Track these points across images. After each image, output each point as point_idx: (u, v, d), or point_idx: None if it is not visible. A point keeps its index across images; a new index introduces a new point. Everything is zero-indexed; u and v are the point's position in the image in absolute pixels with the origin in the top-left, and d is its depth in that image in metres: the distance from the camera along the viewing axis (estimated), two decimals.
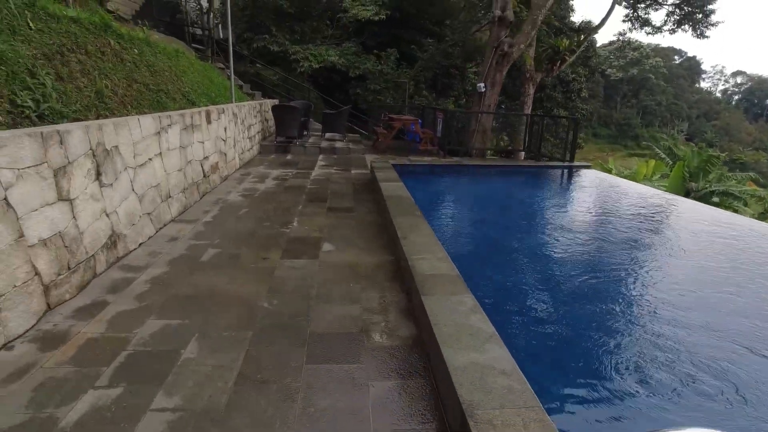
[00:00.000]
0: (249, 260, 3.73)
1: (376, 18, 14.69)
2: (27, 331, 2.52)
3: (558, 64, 15.63)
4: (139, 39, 6.63)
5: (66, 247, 2.90)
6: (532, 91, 15.32)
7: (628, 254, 4.79)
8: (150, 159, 4.24)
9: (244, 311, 2.88)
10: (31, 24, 4.38)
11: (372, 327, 2.75)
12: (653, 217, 6.11)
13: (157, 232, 4.29)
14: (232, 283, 3.29)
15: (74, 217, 3.01)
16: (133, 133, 3.89)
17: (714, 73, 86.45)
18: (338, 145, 10.26)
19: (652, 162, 22.86)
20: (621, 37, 20.40)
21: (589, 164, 8.78)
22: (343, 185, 6.74)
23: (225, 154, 6.86)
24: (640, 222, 5.84)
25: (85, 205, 3.15)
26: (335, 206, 5.52)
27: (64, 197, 2.91)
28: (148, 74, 6.28)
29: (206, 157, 5.95)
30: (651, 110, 62.91)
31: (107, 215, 3.43)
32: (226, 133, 6.93)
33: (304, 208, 5.37)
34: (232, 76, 8.54)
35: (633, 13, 19.48)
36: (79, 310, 2.79)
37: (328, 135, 11.36)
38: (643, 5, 18.74)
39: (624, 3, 18.87)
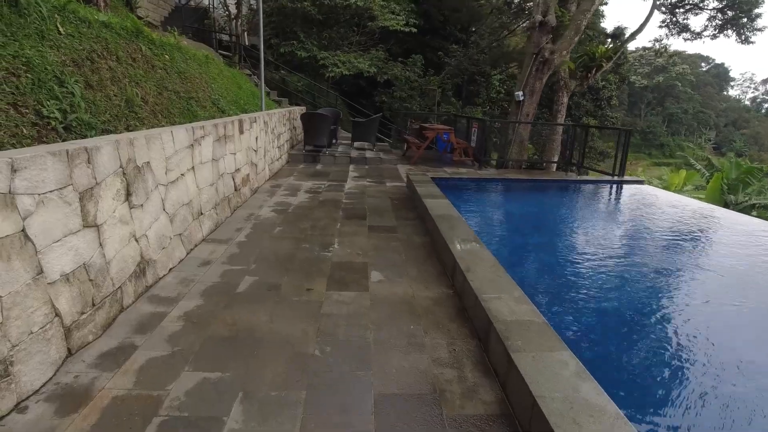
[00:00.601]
0: (291, 291, 3.31)
1: (407, 29, 14.31)
2: (43, 385, 2.14)
3: (593, 72, 15.00)
4: (170, 45, 6.36)
5: (91, 280, 2.53)
6: (565, 99, 14.70)
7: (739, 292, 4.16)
8: (182, 174, 3.88)
9: (292, 361, 2.46)
10: (60, 28, 4.08)
11: (446, 387, 2.28)
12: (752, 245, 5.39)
13: (188, 254, 3.92)
14: (274, 321, 2.87)
15: (101, 244, 2.64)
16: (165, 147, 3.53)
17: (743, 81, 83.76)
18: (369, 154, 9.87)
19: (683, 172, 21.99)
20: (657, 44, 19.47)
21: (642, 179, 8.16)
22: (381, 200, 6.31)
23: (255, 165, 6.51)
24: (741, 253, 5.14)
25: (113, 231, 2.77)
26: (376, 225, 5.08)
27: (90, 223, 2.53)
28: (178, 81, 5.99)
29: (238, 170, 5.60)
30: (677, 118, 61.29)
31: (136, 240, 3.06)
32: (257, 143, 6.59)
33: (343, 227, 4.95)
34: (263, 83, 8.24)
35: (671, 18, 18.71)
36: (104, 356, 2.41)
37: (357, 144, 10.98)
38: (682, 10, 17.96)
39: (662, 8, 18.12)
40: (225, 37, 15.00)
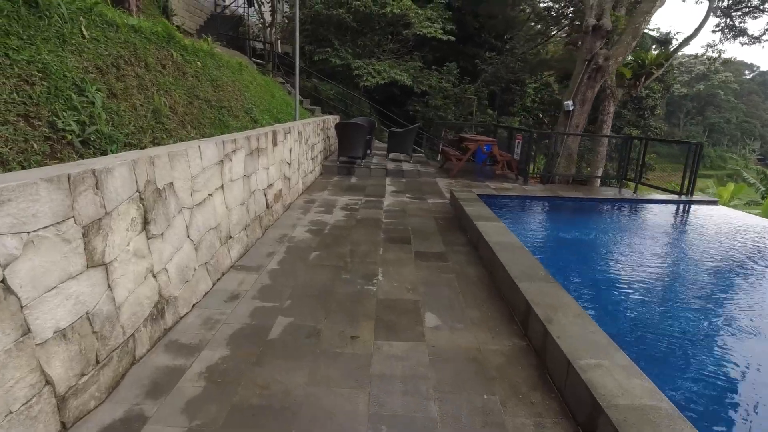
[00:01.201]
0: (333, 339, 2.77)
1: (444, 37, 13.77)
2: None
3: (643, 80, 14.07)
4: (202, 51, 6.02)
5: (95, 332, 2.06)
6: (612, 109, 13.81)
7: None
8: (210, 195, 3.42)
9: None
10: (85, 32, 3.72)
11: None
12: None
13: (214, 285, 3.45)
14: (314, 383, 2.33)
15: (110, 287, 2.17)
16: (192, 165, 3.07)
17: None
18: (405, 167, 9.33)
19: (731, 185, 20.62)
20: (710, 49, 18.29)
21: (716, 199, 7.29)
22: (424, 219, 5.74)
23: (289, 180, 6.07)
24: None
25: (126, 268, 2.31)
26: (423, 251, 4.51)
27: (96, 262, 2.07)
28: (210, 89, 5.62)
29: (270, 185, 5.15)
30: (719, 128, 58.65)
31: (154, 276, 2.60)
32: (290, 155, 6.15)
33: (386, 253, 4.40)
34: (297, 91, 7.84)
35: (727, 21, 17.51)
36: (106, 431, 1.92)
37: (392, 155, 10.47)
38: (739, 13, 16.77)
39: (717, 11, 16.97)
40: (259, 45, 14.86)
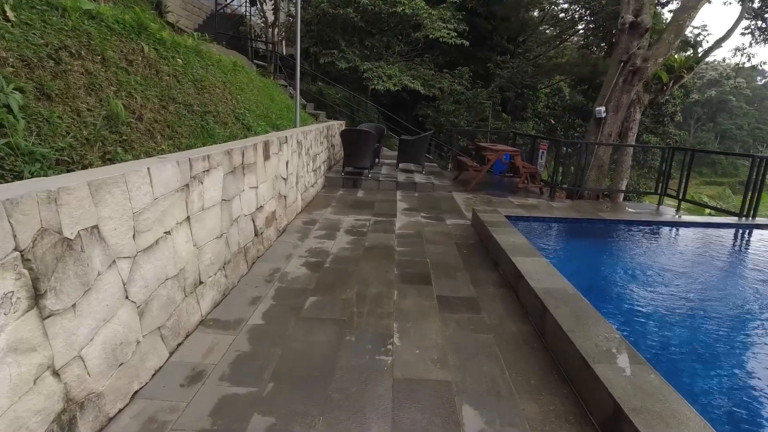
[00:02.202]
0: None
1: (458, 41, 12.89)
2: None
3: (671, 84, 13.08)
4: (186, 47, 5.15)
5: None
6: (638, 116, 12.78)
7: None
8: (167, 233, 2.52)
9: None
10: (9, 13, 2.85)
11: None
12: None
13: (170, 356, 2.54)
14: None
15: None
16: (134, 196, 2.17)
17: None
18: (418, 178, 8.41)
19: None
20: (738, 53, 17.27)
21: None
22: (444, 248, 4.81)
23: (285, 198, 5.17)
24: None
25: None
26: (448, 295, 3.58)
27: None
28: (193, 91, 4.73)
29: (260, 207, 4.25)
30: (731, 134, 57.61)
31: (56, 374, 1.69)
32: (287, 169, 5.26)
33: (402, 298, 3.48)
34: (298, 94, 6.96)
35: (757, 23, 16.49)
36: None
37: (402, 165, 9.56)
38: None
39: (747, 13, 15.96)
40: (261, 46, 14.06)
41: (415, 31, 14.20)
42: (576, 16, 20.13)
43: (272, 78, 11.62)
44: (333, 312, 3.20)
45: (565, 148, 7.87)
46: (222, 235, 3.30)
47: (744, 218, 6.03)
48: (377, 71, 12.46)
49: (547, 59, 21.14)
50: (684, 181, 7.18)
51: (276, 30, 12.72)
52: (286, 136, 5.12)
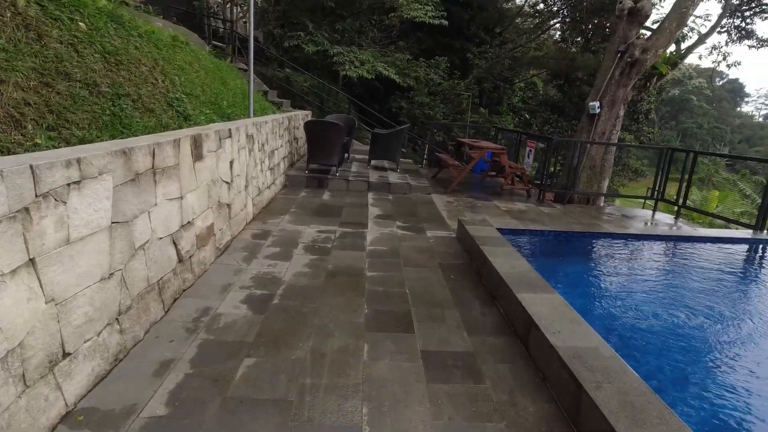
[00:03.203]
0: None
1: (436, 22, 11.94)
2: None
3: (654, 81, 12.57)
4: (97, 8, 4.00)
5: None
6: (622, 112, 12.26)
7: None
8: None
9: None
10: None
11: None
12: None
13: None
14: None
15: None
16: None
17: (758, 97, 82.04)
18: (392, 178, 7.46)
19: (715, 192, 19.93)
20: (715, 51, 17.07)
21: None
22: (427, 272, 3.89)
23: (228, 207, 4.12)
24: None
25: None
26: (436, 349, 2.66)
27: None
28: (101, 67, 3.60)
29: (188, 224, 3.20)
30: (691, 133, 59.68)
31: None
32: (232, 170, 4.20)
33: (374, 360, 2.53)
34: (251, 80, 5.87)
35: (734, 22, 16.27)
36: None
37: (375, 161, 8.58)
38: (749, 12, 15.54)
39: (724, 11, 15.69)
40: (222, 26, 12.70)
41: (389, 15, 13.16)
42: (554, 9, 19.54)
43: (229, 60, 10.37)
44: (276, 387, 2.22)
45: (555, 147, 7.07)
46: (112, 274, 2.25)
47: (761, 231, 5.37)
48: (348, 56, 11.38)
49: (524, 52, 20.52)
50: (685, 186, 6.52)
51: (235, 8, 11.42)
52: (230, 129, 4.06)
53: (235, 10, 11.49)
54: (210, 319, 2.83)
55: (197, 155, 3.31)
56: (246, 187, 4.71)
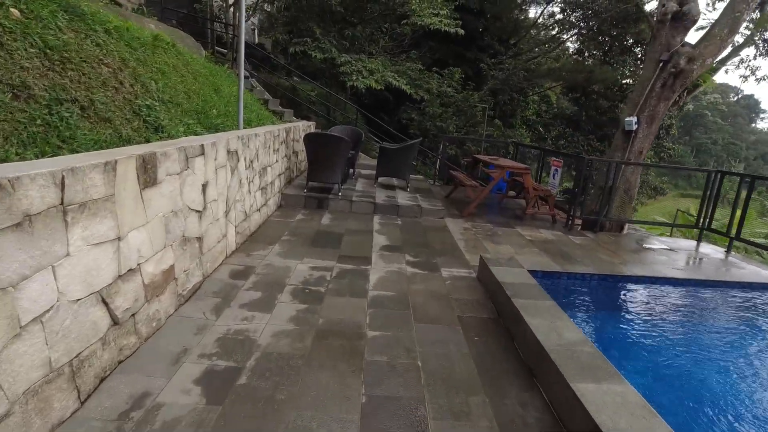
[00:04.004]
0: None
1: (452, 30, 11.22)
2: None
3: (685, 94, 11.69)
4: None
5: None
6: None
7: None
8: None
9: None
10: None
11: None
12: None
13: None
14: None
15: None
16: None
17: None
18: (401, 198, 6.65)
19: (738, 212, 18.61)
20: (742, 65, 16.13)
21: None
22: (445, 332, 3.05)
23: (199, 240, 3.33)
24: None
25: None
26: None
27: None
28: (36, 65, 2.86)
29: (130, 272, 2.41)
30: (706, 149, 58.70)
31: None
32: (205, 195, 3.42)
33: None
34: (242, 83, 5.13)
35: (764, 34, 15.37)
36: None
37: (382, 179, 7.79)
38: None
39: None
40: (228, 32, 12.08)
41: (402, 22, 12.47)
42: (572, 19, 18.80)
43: (229, 67, 9.70)
44: None
45: (587, 168, 6.23)
46: None
47: None
48: (356, 65, 10.66)
49: (538, 65, 19.76)
50: (741, 215, 5.63)
51: (237, 12, 10.77)
52: (202, 145, 3.28)
53: (237, 14, 10.85)
54: (144, 413, 2.02)
55: (148, 180, 2.53)
56: (227, 213, 3.93)
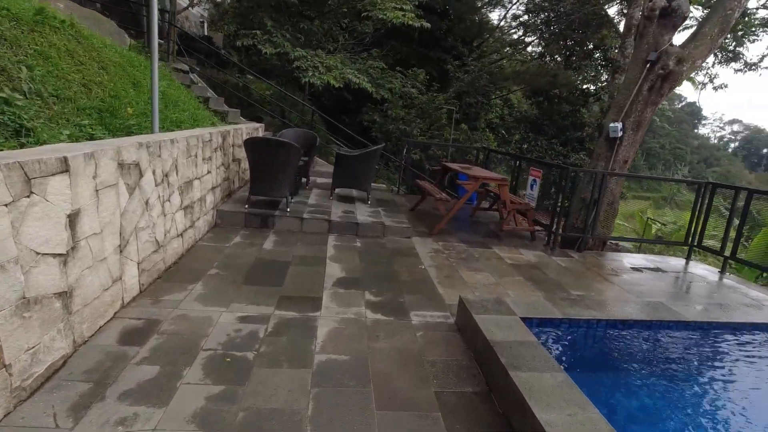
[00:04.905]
0: None
1: (417, 24, 10.42)
2: None
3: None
4: None
5: None
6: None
7: None
8: None
9: None
10: None
11: None
12: None
13: None
14: None
15: None
16: None
17: (714, 120, 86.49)
18: (361, 214, 5.73)
19: (688, 214, 18.83)
20: (701, 72, 16.32)
21: None
22: (418, 423, 2.16)
23: (63, 298, 2.28)
24: None
25: None
26: None
27: None
28: None
29: None
30: (655, 153, 61.44)
31: None
32: (74, 229, 2.37)
33: None
34: (155, 73, 4.06)
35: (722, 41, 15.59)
36: None
37: (340, 190, 6.85)
38: (739, 34, 14.83)
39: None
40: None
41: (362, 15, 11.58)
42: (536, 21, 18.56)
43: (168, 60, 8.47)
44: None
45: (572, 179, 5.54)
46: None
47: None
48: (313, 60, 9.66)
49: (501, 68, 19.41)
50: (737, 232, 5.09)
51: None
52: (64, 158, 2.24)
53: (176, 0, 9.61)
54: None
55: None
56: (122, 248, 2.88)
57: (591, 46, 18.40)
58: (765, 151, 79.54)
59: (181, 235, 4.00)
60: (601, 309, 3.36)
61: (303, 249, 4.57)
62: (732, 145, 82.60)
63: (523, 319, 2.95)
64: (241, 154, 6.13)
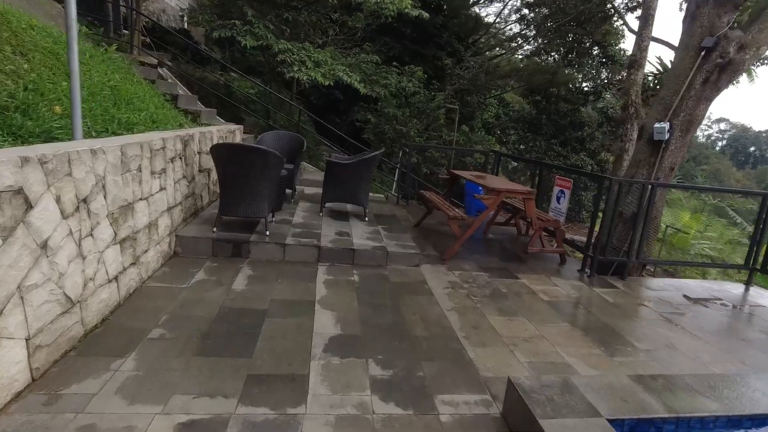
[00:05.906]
0: None
1: (415, 13, 9.43)
2: None
3: None
4: None
5: None
6: (635, 135, 10.08)
7: None
8: None
9: None
10: None
11: None
12: None
13: None
14: None
15: None
16: None
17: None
18: (358, 236, 4.69)
19: (698, 216, 18.14)
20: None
21: None
22: None
23: None
24: None
25: None
26: None
27: None
28: None
29: None
30: None
31: None
32: None
33: None
34: (74, 63, 2.99)
35: None
36: None
37: (331, 204, 5.79)
38: None
39: None
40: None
41: (353, 11, 10.56)
42: (534, 16, 17.71)
43: (131, 52, 7.35)
44: None
45: (617, 191, 4.54)
46: None
47: None
48: (299, 54, 8.59)
49: (497, 66, 18.53)
50: None
51: None
52: None
53: None
54: None
55: None
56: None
57: (587, 44, 17.61)
58: (752, 149, 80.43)
59: (116, 278, 2.93)
60: (715, 396, 2.35)
61: (285, 288, 3.52)
62: (720, 143, 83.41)
63: (611, 422, 1.94)
64: (211, 162, 5.05)
